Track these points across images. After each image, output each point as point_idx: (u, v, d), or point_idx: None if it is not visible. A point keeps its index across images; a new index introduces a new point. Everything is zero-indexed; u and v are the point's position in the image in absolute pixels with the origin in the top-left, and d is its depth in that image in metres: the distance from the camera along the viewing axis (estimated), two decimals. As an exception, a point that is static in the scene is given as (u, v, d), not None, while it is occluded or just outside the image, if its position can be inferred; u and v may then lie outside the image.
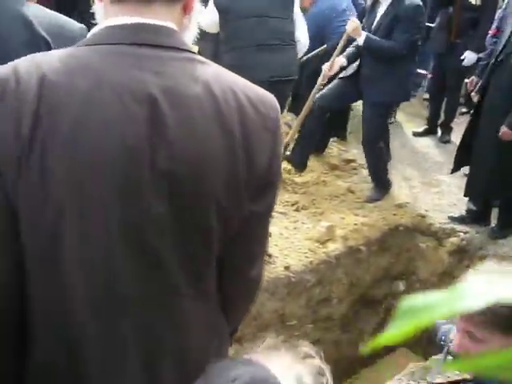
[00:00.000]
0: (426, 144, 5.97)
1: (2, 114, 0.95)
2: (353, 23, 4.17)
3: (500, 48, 3.72)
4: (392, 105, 4.84)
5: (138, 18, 1.03)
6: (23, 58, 1.01)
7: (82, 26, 1.62)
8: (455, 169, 4.23)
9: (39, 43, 1.48)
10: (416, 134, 6.16)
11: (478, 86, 4.14)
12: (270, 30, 3.87)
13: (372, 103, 4.43)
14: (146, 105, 0.98)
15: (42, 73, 0.97)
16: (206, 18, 3.75)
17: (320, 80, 4.40)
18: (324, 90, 4.54)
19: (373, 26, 4.31)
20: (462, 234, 4.24)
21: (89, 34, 1.08)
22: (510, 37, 3.62)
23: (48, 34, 1.50)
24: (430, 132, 6.22)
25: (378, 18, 4.28)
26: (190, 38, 1.13)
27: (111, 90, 0.98)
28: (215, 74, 1.07)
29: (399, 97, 4.73)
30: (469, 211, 4.28)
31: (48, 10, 1.61)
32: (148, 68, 1.01)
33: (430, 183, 5.00)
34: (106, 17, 1.06)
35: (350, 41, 4.38)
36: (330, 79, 4.51)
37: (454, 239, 4.24)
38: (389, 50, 4.21)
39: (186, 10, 1.09)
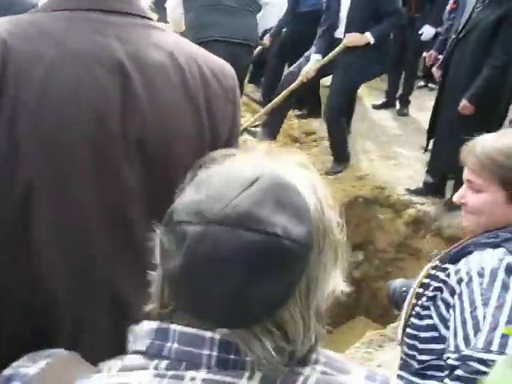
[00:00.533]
0: (385, 117, 6.06)
1: None
2: (352, 35, 4.29)
3: (462, 24, 3.78)
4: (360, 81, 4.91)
5: None
6: None
7: None
8: (426, 147, 4.31)
9: None
10: (375, 107, 6.25)
11: (439, 62, 4.22)
12: None
13: (344, 78, 4.50)
14: (115, 72, 0.97)
15: (3, 39, 0.93)
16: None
17: (300, 79, 4.56)
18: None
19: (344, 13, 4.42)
20: (418, 205, 4.35)
21: (42, 0, 1.04)
22: (471, 13, 3.68)
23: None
24: (388, 105, 6.31)
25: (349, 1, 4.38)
26: (145, 4, 1.11)
27: (77, 58, 0.95)
28: (177, 43, 1.07)
29: (372, 74, 4.83)
30: (426, 184, 4.38)
31: None
32: (111, 34, 0.99)
33: (389, 156, 5.09)
34: None
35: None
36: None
37: (411, 210, 4.35)
38: (385, 29, 4.38)
39: None
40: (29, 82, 0.93)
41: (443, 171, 4.26)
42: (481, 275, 1.35)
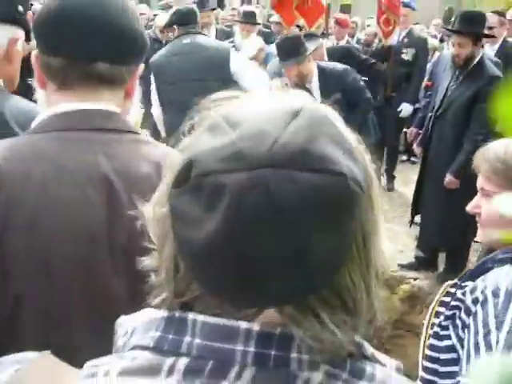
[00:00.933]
0: (371, 193, 6.12)
1: None
2: None
3: (438, 102, 3.92)
4: None
5: (84, 103, 1.06)
6: None
7: None
8: (412, 220, 4.35)
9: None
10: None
11: (419, 138, 4.33)
12: (193, 92, 3.96)
13: None
14: (102, 188, 1.01)
15: None
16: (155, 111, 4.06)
17: None
18: None
19: None
20: (412, 280, 4.32)
21: (35, 122, 1.08)
22: (445, 92, 3.83)
23: (23, 130, 1.45)
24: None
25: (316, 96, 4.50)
26: (132, 119, 1.17)
27: (67, 176, 0.99)
28: (164, 154, 1.09)
29: None
30: (417, 258, 4.38)
31: (26, 104, 1.55)
32: (100, 151, 1.03)
33: (378, 231, 5.09)
34: (51, 103, 1.08)
35: None
36: None
37: (405, 286, 4.31)
38: (361, 116, 4.49)
39: (128, 94, 1.13)
40: (21, 206, 0.96)
41: (433, 245, 4.27)
42: (496, 295, 1.30)
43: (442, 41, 8.71)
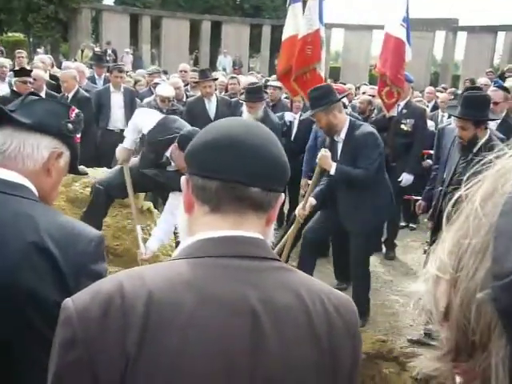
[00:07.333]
0: (373, 263, 6.08)
1: (107, 329, 0.94)
2: (324, 155, 4.39)
3: (448, 179, 3.94)
4: (372, 232, 4.87)
5: (233, 230, 1.08)
6: (127, 273, 1.05)
7: (98, 233, 1.54)
8: None
9: (43, 255, 1.40)
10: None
11: (429, 213, 4.35)
12: None
13: (354, 234, 4.57)
14: (247, 319, 1.01)
15: (148, 290, 0.98)
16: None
17: (297, 221, 4.61)
18: (310, 224, 4.77)
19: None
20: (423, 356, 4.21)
21: (183, 246, 1.10)
22: (455, 169, 3.86)
23: (57, 246, 1.41)
24: (375, 249, 6.37)
25: (339, 153, 4.52)
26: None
27: (214, 306, 1.00)
28: (302, 281, 1.12)
29: (376, 223, 4.86)
30: (427, 332, 4.29)
31: (61, 218, 1.52)
32: (247, 280, 1.04)
33: (384, 305, 5.02)
34: (199, 225, 1.09)
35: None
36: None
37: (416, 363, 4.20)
38: (357, 176, 4.37)
39: (269, 220, 1.14)
40: (170, 333, 0.96)
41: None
42: None
43: (435, 108, 8.90)
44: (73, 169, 1.67)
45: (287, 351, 1.02)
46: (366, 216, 4.46)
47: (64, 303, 1.00)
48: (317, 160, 4.47)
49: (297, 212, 4.59)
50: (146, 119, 4.34)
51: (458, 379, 0.60)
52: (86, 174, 4.13)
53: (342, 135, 4.46)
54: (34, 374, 1.35)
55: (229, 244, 1.07)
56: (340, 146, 4.51)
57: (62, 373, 0.97)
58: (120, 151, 4.42)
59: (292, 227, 4.69)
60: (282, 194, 1.16)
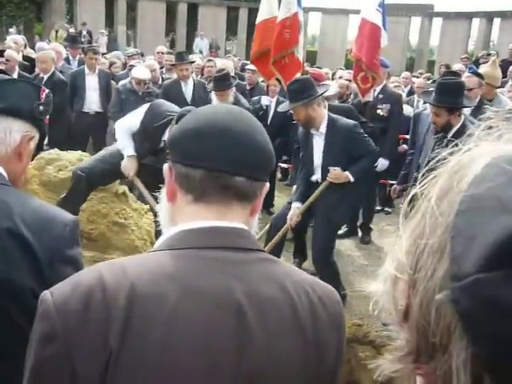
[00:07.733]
0: (349, 247, 6.13)
1: (88, 322, 0.92)
2: (334, 173, 4.39)
3: (423, 164, 3.97)
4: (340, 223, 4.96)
5: (216, 221, 1.06)
6: (107, 264, 1.02)
7: (73, 218, 1.50)
8: None
9: (17, 240, 1.37)
10: (338, 237, 6.33)
11: (407, 198, 4.36)
12: None
13: (326, 223, 4.57)
14: (232, 313, 0.99)
15: (130, 282, 0.95)
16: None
17: (285, 227, 4.62)
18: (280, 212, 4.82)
19: (319, 160, 4.53)
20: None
21: (165, 237, 1.07)
22: (430, 154, 3.89)
23: (31, 231, 1.38)
24: (351, 234, 6.42)
25: (317, 145, 4.51)
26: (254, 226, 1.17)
27: (198, 299, 0.98)
28: (286, 273, 1.10)
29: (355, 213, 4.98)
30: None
31: (35, 203, 1.49)
32: (231, 273, 1.02)
33: (359, 289, 5.05)
34: (183, 215, 1.07)
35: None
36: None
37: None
38: (368, 164, 4.47)
39: (254, 211, 1.12)
40: (153, 326, 0.94)
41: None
42: None
43: (411, 93, 8.95)
44: (39, 149, 1.65)
45: (272, 344, 1.01)
46: (347, 208, 4.51)
47: (42, 296, 0.96)
48: (328, 179, 4.44)
49: (288, 221, 4.57)
50: (131, 120, 4.27)
51: (418, 381, 0.59)
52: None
53: (322, 129, 4.44)
54: (10, 367, 1.31)
55: (212, 235, 1.05)
56: (318, 139, 4.50)
57: (39, 368, 0.94)
58: (126, 164, 4.28)
59: (279, 234, 4.67)
60: (267, 183, 1.14)
